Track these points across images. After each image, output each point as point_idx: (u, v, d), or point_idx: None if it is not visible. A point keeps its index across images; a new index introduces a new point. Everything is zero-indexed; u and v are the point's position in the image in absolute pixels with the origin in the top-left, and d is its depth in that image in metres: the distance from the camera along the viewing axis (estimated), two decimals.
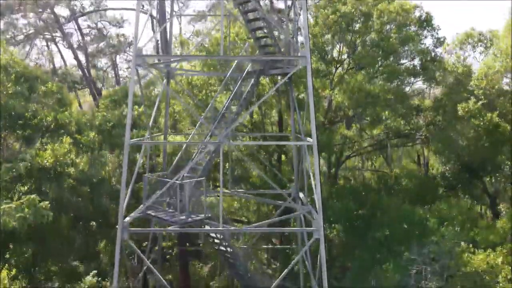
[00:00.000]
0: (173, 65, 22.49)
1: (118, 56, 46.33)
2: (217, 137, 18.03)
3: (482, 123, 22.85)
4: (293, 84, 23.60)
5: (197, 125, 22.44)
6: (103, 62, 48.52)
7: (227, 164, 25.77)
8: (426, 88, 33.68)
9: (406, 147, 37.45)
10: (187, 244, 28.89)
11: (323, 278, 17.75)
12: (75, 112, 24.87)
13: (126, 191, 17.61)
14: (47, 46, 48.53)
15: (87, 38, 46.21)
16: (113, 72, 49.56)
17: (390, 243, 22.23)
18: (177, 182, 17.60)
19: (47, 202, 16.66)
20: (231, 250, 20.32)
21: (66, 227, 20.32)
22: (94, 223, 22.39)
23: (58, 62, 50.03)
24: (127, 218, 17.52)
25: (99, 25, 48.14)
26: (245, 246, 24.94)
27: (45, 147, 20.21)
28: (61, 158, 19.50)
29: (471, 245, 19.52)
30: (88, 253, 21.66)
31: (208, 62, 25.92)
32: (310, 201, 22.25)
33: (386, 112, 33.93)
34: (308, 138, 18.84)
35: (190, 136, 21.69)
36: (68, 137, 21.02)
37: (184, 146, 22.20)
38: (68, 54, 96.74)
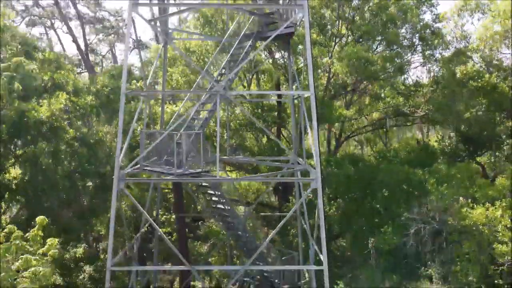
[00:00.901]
0: (170, 26, 22.46)
1: (116, 42, 46.45)
2: (215, 87, 17.87)
3: (480, 84, 22.76)
4: (291, 50, 23.57)
5: (194, 86, 22.35)
6: (101, 47, 48.50)
7: (225, 133, 25.71)
8: (424, 65, 33.51)
9: (406, 126, 37.39)
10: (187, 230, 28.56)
11: (321, 232, 17.54)
12: (72, 76, 24.75)
13: (124, 140, 17.49)
14: (46, 33, 48.73)
15: (86, 26, 46.39)
16: (112, 59, 49.68)
17: (389, 205, 22.10)
18: (174, 133, 17.50)
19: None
20: (228, 208, 20.17)
21: (62, 179, 20.10)
22: (91, 183, 22.25)
23: (57, 50, 50.33)
24: (124, 170, 17.39)
25: (98, 15, 48.32)
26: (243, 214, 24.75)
27: (42, 102, 20.10)
28: (57, 113, 19.39)
29: (469, 200, 19.38)
30: (83, 213, 21.45)
31: (206, 30, 25.91)
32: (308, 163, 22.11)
33: (386, 90, 33.97)
34: (306, 93, 18.70)
35: (186, 97, 21.61)
36: (64, 93, 20.91)
37: (181, 109, 22.15)
38: (66, 42, 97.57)
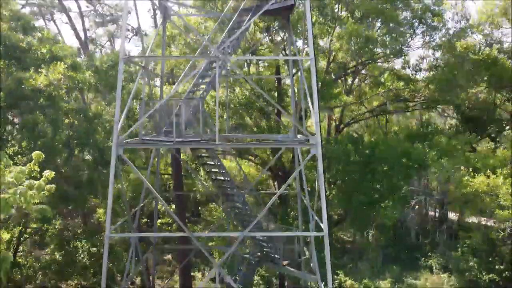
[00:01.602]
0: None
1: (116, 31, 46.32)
2: (215, 53, 17.73)
3: (481, 57, 22.67)
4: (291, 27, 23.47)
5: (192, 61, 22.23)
6: (100, 35, 48.47)
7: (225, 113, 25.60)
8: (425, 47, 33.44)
9: (406, 112, 37.28)
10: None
11: (322, 198, 17.37)
12: (71, 49, 24.59)
13: (122, 109, 17.37)
14: (45, 25, 48.73)
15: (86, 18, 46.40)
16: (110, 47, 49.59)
17: (389, 179, 21.95)
18: (174, 99, 17.41)
19: None
20: (228, 179, 20.02)
21: (61, 148, 19.90)
22: (89, 156, 22.08)
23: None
24: (123, 136, 17.25)
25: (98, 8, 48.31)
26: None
27: (40, 71, 19.95)
28: (55, 82, 19.24)
29: (471, 169, 19.26)
30: (81, 184, 21.24)
31: (206, 7, 25.84)
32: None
33: (385, 75, 33.95)
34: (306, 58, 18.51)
35: (186, 69, 21.47)
36: (63, 63, 20.80)
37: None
38: (66, 35, 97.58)
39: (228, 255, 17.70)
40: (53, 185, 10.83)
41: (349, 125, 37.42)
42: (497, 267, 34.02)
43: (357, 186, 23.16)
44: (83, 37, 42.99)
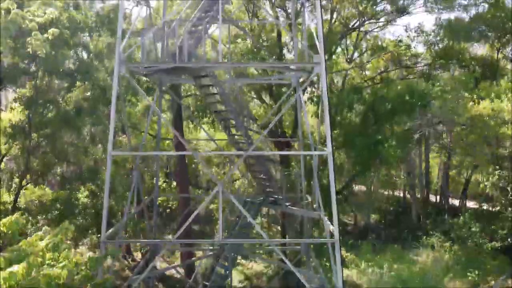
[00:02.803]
0: None
1: None
2: None
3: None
4: None
5: None
6: None
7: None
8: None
9: (407, 79, 37.09)
10: None
11: (325, 117, 17.14)
12: None
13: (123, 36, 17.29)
14: None
15: None
16: None
17: (392, 118, 21.81)
18: (176, 20, 17.33)
19: None
20: (231, 109, 19.68)
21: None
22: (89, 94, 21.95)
23: None
24: (125, 53, 17.14)
25: None
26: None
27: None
28: (54, 18, 19.08)
29: (475, 96, 19.16)
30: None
31: None
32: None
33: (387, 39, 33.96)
34: None
35: None
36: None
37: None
38: None
39: (230, 173, 17.49)
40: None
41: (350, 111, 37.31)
42: (500, 231, 33.89)
43: (360, 130, 23.04)
44: None
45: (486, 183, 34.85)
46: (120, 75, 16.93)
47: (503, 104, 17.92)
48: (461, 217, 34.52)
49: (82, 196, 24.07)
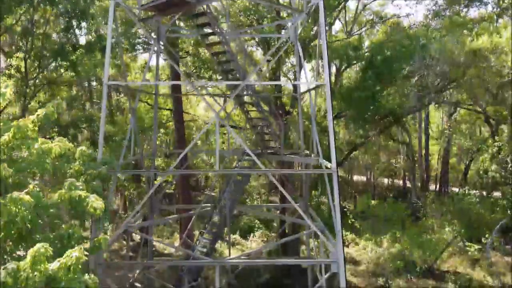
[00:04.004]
0: None
1: None
2: None
3: None
4: None
5: None
6: None
7: None
8: None
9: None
10: None
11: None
12: None
13: None
14: None
15: None
16: None
17: (390, 65, 21.70)
18: None
19: None
20: (229, 51, 19.52)
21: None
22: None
23: None
24: None
25: None
26: None
27: None
28: None
29: (474, 32, 19.08)
30: None
31: None
32: None
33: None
34: None
35: None
36: None
37: None
38: None
39: (226, 104, 17.29)
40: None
41: (350, 67, 37.38)
42: (499, 202, 33.74)
43: (358, 83, 22.94)
44: None
45: (486, 156, 34.86)
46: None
47: (502, 39, 17.88)
48: (461, 190, 34.36)
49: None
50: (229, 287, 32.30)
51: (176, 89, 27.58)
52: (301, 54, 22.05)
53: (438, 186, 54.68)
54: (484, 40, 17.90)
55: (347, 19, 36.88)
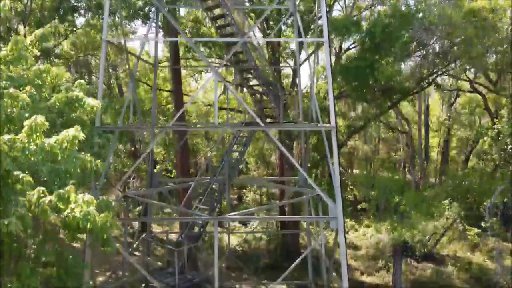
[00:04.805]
0: None
1: None
2: None
3: None
4: None
5: None
6: None
7: None
8: None
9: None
10: None
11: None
12: None
13: None
14: None
15: None
16: None
17: (389, 35, 21.68)
18: None
19: None
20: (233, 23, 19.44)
21: None
22: None
23: None
24: None
25: None
26: None
27: None
28: None
29: None
30: None
31: None
32: None
33: None
34: None
35: None
36: None
37: None
38: None
39: (226, 59, 17.34)
40: None
41: (349, 49, 37.47)
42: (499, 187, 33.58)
43: (357, 56, 22.94)
44: None
45: (486, 139, 34.79)
46: None
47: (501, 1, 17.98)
48: (461, 171, 34.21)
49: None
50: (228, 270, 32.26)
51: (176, 73, 27.40)
52: (300, 25, 22.13)
53: (438, 179, 54.64)
54: (483, 1, 17.98)
55: (346, 2, 37.06)
